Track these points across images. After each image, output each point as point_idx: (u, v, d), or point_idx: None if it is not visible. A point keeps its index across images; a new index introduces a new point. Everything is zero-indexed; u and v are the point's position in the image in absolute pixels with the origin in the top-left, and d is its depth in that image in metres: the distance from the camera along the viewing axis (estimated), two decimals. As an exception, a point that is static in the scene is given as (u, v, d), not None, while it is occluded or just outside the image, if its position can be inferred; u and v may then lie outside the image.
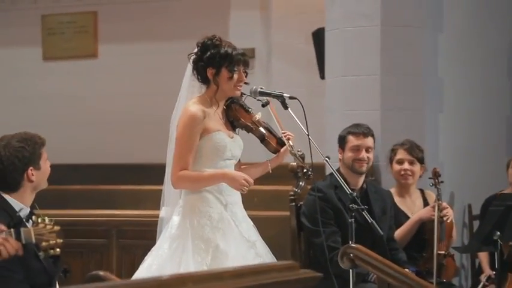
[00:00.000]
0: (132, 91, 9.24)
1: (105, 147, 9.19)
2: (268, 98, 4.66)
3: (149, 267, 4.41)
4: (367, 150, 5.27)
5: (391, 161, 5.83)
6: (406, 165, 5.71)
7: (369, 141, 5.30)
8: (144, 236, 5.57)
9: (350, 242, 4.46)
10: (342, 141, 5.34)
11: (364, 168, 5.25)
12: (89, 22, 9.60)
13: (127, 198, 7.35)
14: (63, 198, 7.42)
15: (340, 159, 5.35)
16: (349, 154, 5.26)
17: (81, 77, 9.50)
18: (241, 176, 4.40)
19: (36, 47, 9.68)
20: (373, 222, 4.57)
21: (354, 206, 4.53)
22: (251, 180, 4.41)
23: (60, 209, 6.74)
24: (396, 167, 5.75)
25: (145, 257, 4.51)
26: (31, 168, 3.98)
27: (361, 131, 5.30)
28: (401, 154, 5.75)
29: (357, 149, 5.26)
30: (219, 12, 9.00)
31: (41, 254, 3.06)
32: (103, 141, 9.24)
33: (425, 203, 5.78)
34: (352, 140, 5.29)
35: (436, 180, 5.60)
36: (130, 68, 9.31)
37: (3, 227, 2.88)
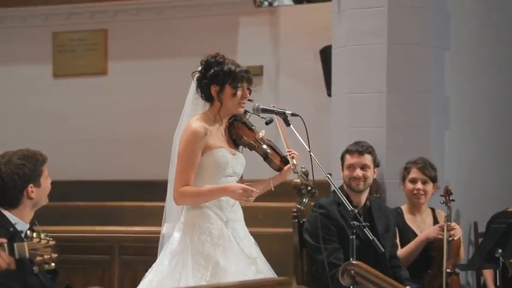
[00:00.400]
0: (140, 108, 9.27)
1: (112, 164, 9.21)
2: (272, 116, 4.68)
3: (149, 283, 4.42)
4: (362, 168, 5.26)
5: (403, 179, 5.80)
6: (419, 185, 5.69)
7: (365, 159, 5.28)
8: (146, 252, 5.59)
9: (351, 259, 4.45)
10: (341, 159, 5.37)
11: (361, 186, 5.24)
12: (99, 40, 9.66)
13: (131, 215, 7.37)
14: (67, 215, 7.44)
15: (342, 177, 5.36)
16: (346, 172, 5.29)
17: (91, 94, 9.54)
18: (239, 187, 4.40)
19: (47, 64, 9.75)
20: (374, 239, 4.56)
21: (355, 222, 4.53)
22: (252, 189, 4.39)
23: (63, 225, 6.77)
24: (409, 185, 5.73)
25: (146, 273, 4.52)
26: (31, 185, 3.99)
27: (356, 149, 5.30)
28: (414, 173, 5.73)
29: (352, 167, 5.27)
30: (228, 29, 9.04)
31: (35, 268, 3.06)
32: (110, 158, 9.27)
33: (436, 222, 5.75)
34: (348, 159, 5.31)
35: (448, 198, 5.58)
36: (139, 84, 9.35)
37: (2, 240, 2.89)
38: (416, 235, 5.63)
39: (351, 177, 5.23)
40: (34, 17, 9.78)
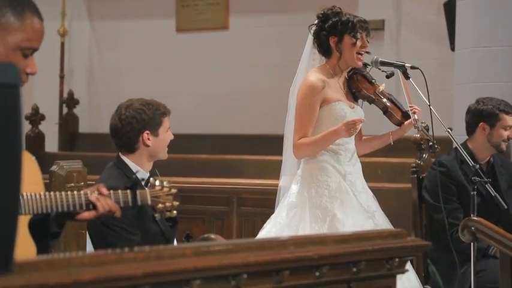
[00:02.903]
0: (261, 63, 9.29)
1: (233, 118, 9.31)
2: (393, 69, 4.62)
3: (268, 234, 4.47)
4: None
5: None
6: None
7: None
8: (263, 204, 5.65)
9: (472, 215, 4.37)
10: (492, 117, 5.09)
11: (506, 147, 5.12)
12: (220, -6, 9.72)
13: (250, 168, 7.44)
14: (188, 167, 7.57)
15: (478, 134, 5.10)
16: (502, 132, 5.06)
17: (213, 49, 9.64)
18: (343, 124, 4.33)
19: (170, 18, 9.89)
20: (497, 195, 4.47)
21: (476, 178, 4.44)
22: (353, 119, 4.34)
23: (186, 176, 6.91)
24: None
25: (265, 224, 4.58)
26: (147, 132, 4.00)
27: (510, 109, 5.11)
28: None
29: (509, 128, 5.08)
30: (349, -17, 8.92)
31: (157, 215, 3.14)
32: (231, 112, 9.36)
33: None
34: (507, 120, 5.08)
35: None
36: (260, 39, 9.37)
37: (105, 191, 2.97)
38: None
39: (505, 139, 5.05)
40: (158, -27, 9.93)
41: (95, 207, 2.90)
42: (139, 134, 3.99)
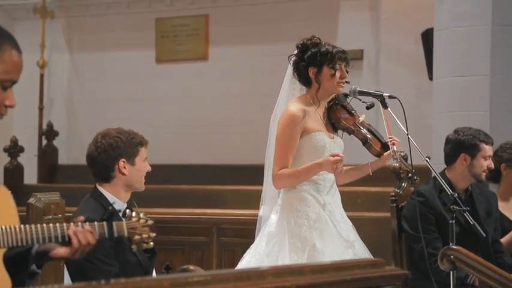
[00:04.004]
0: (241, 93, 9.33)
1: (214, 148, 9.33)
2: (374, 100, 4.63)
3: (247, 264, 4.46)
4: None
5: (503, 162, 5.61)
6: None
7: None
8: (243, 235, 5.63)
9: (451, 244, 4.37)
10: (473, 148, 5.06)
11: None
12: (200, 25, 9.76)
13: (232, 198, 7.44)
14: (170, 198, 7.56)
15: (459, 164, 5.09)
16: (482, 162, 5.07)
17: (193, 79, 9.66)
18: (328, 158, 4.35)
19: (150, 49, 9.91)
20: (475, 224, 4.47)
21: (455, 207, 4.45)
22: (335, 154, 4.36)
23: (167, 207, 6.89)
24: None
25: (244, 254, 4.57)
26: (123, 159, 3.98)
27: (491, 140, 5.13)
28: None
29: (489, 158, 5.10)
30: (328, 14, 8.99)
31: (134, 247, 3.12)
32: (212, 142, 9.37)
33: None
34: (487, 150, 5.09)
35: None
36: (240, 70, 9.41)
37: (81, 218, 2.95)
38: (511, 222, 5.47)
39: (485, 169, 5.06)
40: (138, 3, 9.95)
41: (70, 241, 2.87)
42: (115, 161, 3.97)
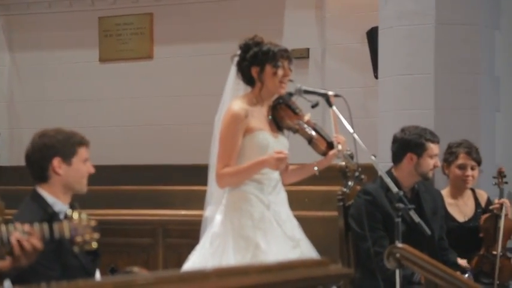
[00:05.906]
0: (186, 92, 9.27)
1: (158, 148, 9.25)
2: (318, 98, 4.61)
3: (193, 265, 4.44)
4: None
5: (449, 163, 5.63)
6: (469, 171, 5.53)
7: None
8: (189, 235, 5.58)
9: (396, 242, 4.37)
10: (419, 147, 5.06)
11: None
12: (145, 24, 9.66)
13: (177, 199, 7.38)
14: (116, 199, 7.46)
15: (406, 163, 5.09)
16: (428, 161, 5.07)
17: (137, 79, 9.57)
18: (272, 154, 4.33)
19: (93, 49, 9.78)
20: (420, 222, 4.48)
21: (400, 205, 4.44)
22: (279, 151, 4.33)
23: (111, 209, 6.80)
24: (457, 171, 5.56)
25: (190, 256, 4.52)
26: (58, 159, 3.84)
27: (437, 139, 5.13)
28: (463, 159, 5.55)
29: (436, 157, 5.11)
30: (274, 12, 8.97)
31: (75, 248, 3.04)
32: (156, 142, 9.30)
33: (477, 203, 5.63)
34: (433, 148, 5.09)
35: (500, 180, 5.45)
36: (185, 69, 9.34)
37: (26, 227, 2.85)
38: (456, 221, 5.51)
39: (431, 168, 5.06)
40: (80, 1, 9.82)
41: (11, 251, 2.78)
42: (49, 161, 3.83)
